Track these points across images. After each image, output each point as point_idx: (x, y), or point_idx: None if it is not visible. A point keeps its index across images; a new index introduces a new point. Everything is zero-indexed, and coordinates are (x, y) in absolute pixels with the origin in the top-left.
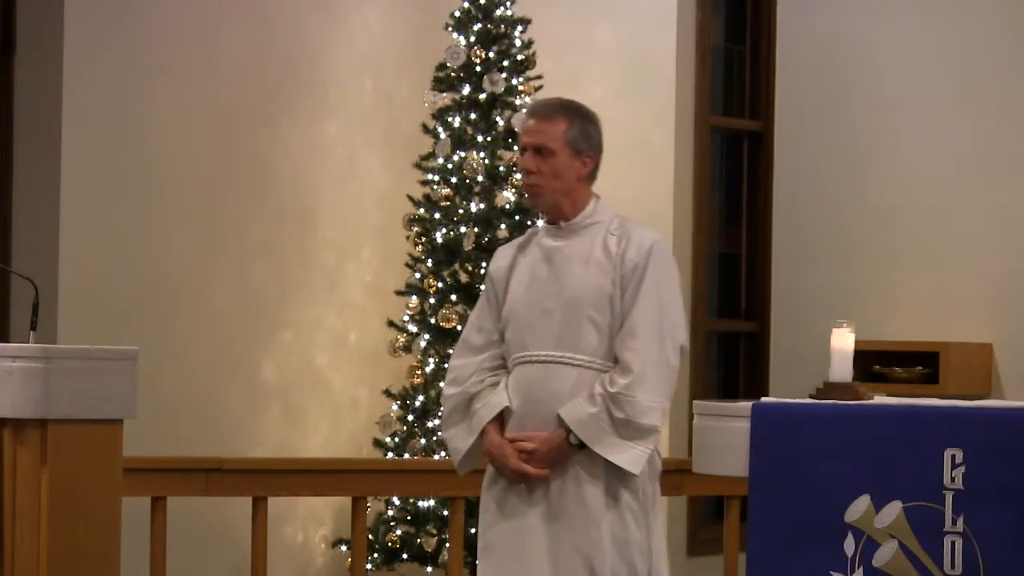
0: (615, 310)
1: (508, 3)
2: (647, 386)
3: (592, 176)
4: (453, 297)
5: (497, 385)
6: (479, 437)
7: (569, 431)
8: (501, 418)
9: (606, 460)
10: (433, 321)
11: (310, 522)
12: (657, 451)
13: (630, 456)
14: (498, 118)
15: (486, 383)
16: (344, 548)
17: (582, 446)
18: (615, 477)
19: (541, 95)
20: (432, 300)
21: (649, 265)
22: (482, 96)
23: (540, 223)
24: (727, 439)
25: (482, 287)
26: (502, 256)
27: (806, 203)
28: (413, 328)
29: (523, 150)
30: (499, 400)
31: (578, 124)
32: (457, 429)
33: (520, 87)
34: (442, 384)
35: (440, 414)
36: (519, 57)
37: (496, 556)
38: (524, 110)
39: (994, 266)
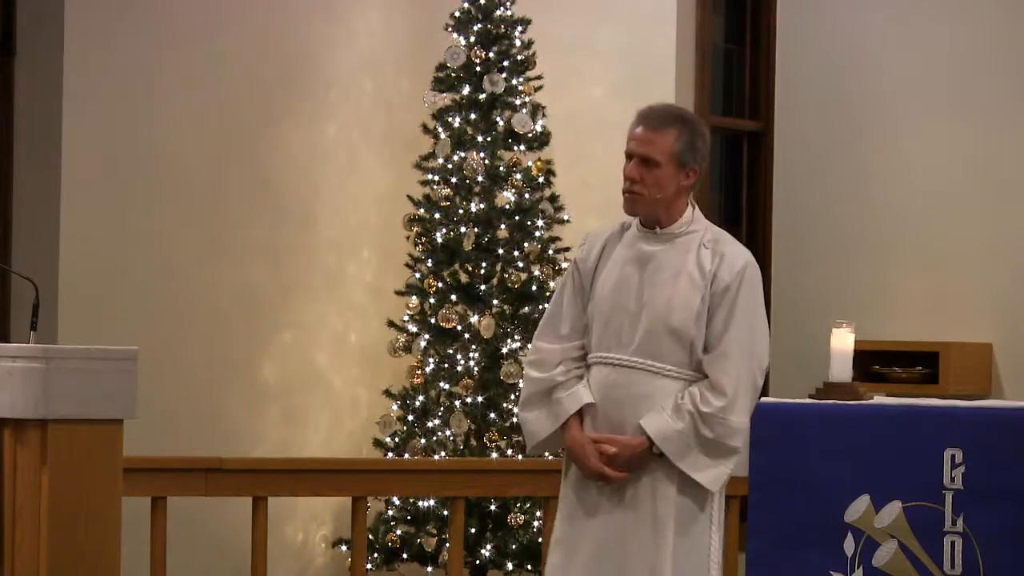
0: (701, 325)
1: (508, 3)
2: (738, 408)
3: (693, 187)
4: (453, 297)
5: (581, 379)
6: (559, 428)
7: (652, 442)
8: (580, 413)
9: (683, 472)
10: (433, 321)
11: (310, 522)
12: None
13: (713, 475)
14: (498, 118)
15: (572, 374)
16: (344, 548)
17: (662, 455)
18: (689, 489)
19: (541, 95)
20: (432, 300)
21: (742, 287)
22: (482, 96)
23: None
24: None
25: (566, 268)
26: (590, 244)
27: (806, 203)
28: (413, 328)
29: (629, 156)
30: (584, 395)
31: (686, 137)
32: (538, 414)
33: (520, 87)
34: (443, 384)
35: (517, 397)
36: (519, 57)
37: (568, 550)
38: (524, 110)
39: (994, 266)
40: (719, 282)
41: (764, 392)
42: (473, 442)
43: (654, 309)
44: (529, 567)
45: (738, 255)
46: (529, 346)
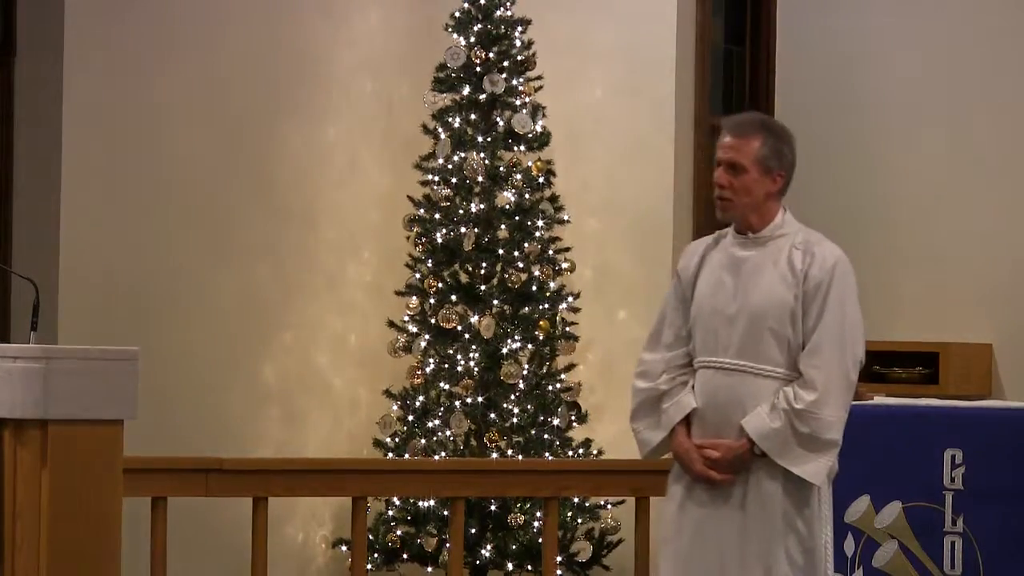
0: (796, 324)
1: (508, 4)
2: (831, 402)
3: (782, 192)
4: (453, 297)
5: (686, 385)
6: (668, 434)
7: (753, 442)
8: (687, 418)
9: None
10: (433, 321)
11: (310, 522)
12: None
13: (813, 468)
14: (498, 119)
15: (676, 381)
16: (344, 548)
17: (764, 454)
18: (794, 484)
19: (541, 95)
20: (432, 300)
21: (833, 283)
22: (482, 97)
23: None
24: None
25: (671, 282)
26: (690, 254)
27: (805, 203)
28: (413, 328)
29: (717, 164)
30: (688, 402)
31: (771, 143)
32: (647, 422)
33: (520, 87)
34: (443, 384)
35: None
36: (519, 58)
37: (681, 543)
38: (524, 111)
39: (994, 266)
40: (811, 280)
41: None
42: (473, 442)
43: (749, 311)
44: (529, 567)
45: (829, 253)
46: (529, 346)
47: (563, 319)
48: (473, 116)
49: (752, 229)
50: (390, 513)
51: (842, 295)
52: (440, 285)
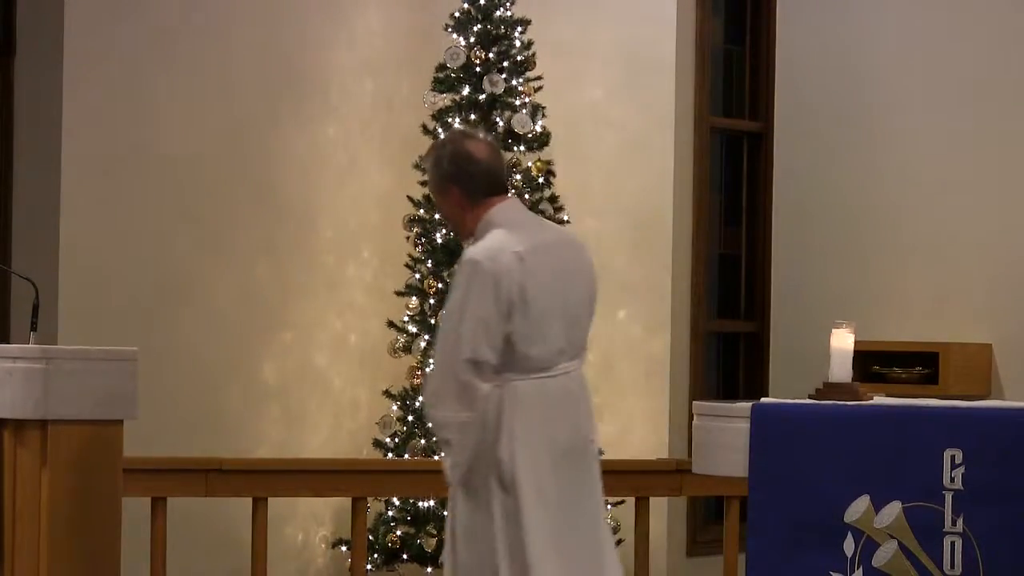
0: None
1: (508, 4)
2: (438, 403)
3: (472, 197)
4: None
5: None
6: None
7: None
8: None
9: None
10: (433, 322)
11: (310, 522)
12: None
13: (445, 465)
14: (498, 119)
15: None
16: (344, 548)
17: None
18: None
19: (541, 95)
20: (432, 301)
21: (455, 285)
22: (482, 97)
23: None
24: (727, 439)
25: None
26: None
27: (806, 203)
28: (413, 329)
29: None
30: None
31: (428, 166)
32: None
33: (520, 88)
34: None
35: None
36: (519, 58)
37: None
38: (524, 111)
39: (994, 266)
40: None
41: (764, 392)
42: None
43: None
44: None
45: (466, 255)
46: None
47: None
48: (473, 116)
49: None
50: (390, 513)
51: (461, 296)
52: (440, 285)
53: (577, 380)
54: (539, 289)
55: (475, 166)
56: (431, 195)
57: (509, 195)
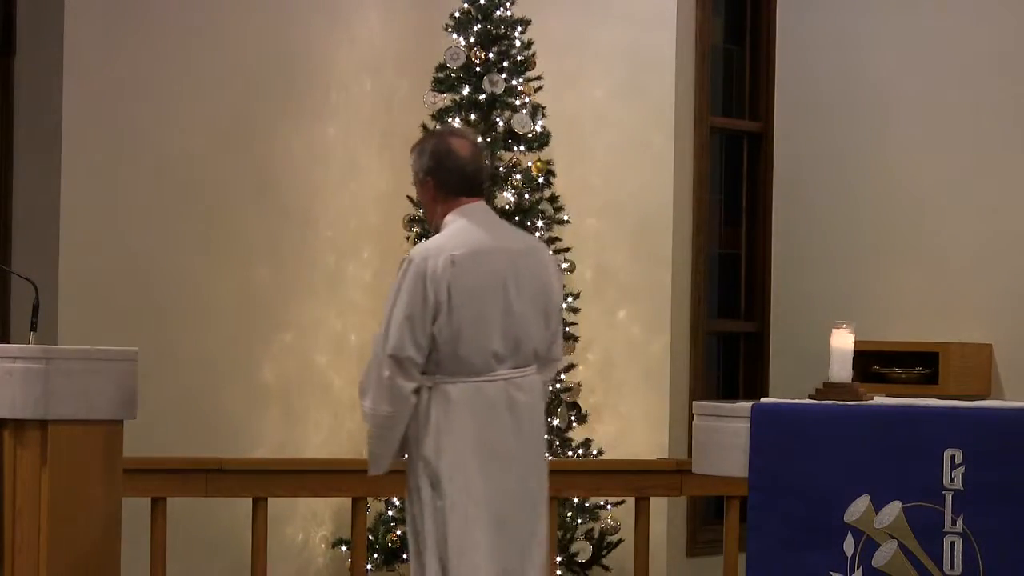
0: None
1: (508, 4)
2: (365, 395)
3: (444, 192)
4: None
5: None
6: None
7: None
8: None
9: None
10: None
11: (310, 522)
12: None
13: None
14: (498, 119)
15: None
16: (344, 548)
17: None
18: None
19: (541, 95)
20: None
21: (393, 283)
22: (482, 97)
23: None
24: (727, 439)
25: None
26: None
27: (805, 203)
28: None
29: None
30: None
31: (413, 157)
32: None
33: (520, 88)
34: None
35: None
36: (519, 58)
37: None
38: (524, 111)
39: (994, 266)
40: None
41: (764, 392)
42: None
43: None
44: None
45: (409, 253)
46: None
47: (563, 319)
48: (473, 116)
49: None
50: (390, 513)
51: (394, 293)
52: None
53: (527, 388)
54: (469, 293)
55: (453, 163)
56: (413, 184)
57: (480, 199)
